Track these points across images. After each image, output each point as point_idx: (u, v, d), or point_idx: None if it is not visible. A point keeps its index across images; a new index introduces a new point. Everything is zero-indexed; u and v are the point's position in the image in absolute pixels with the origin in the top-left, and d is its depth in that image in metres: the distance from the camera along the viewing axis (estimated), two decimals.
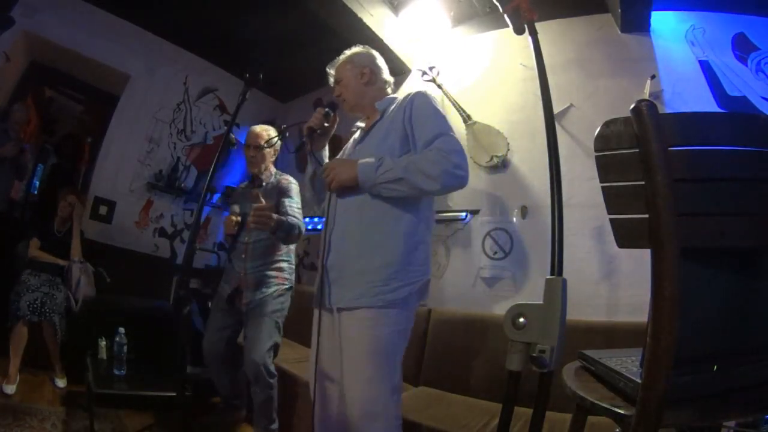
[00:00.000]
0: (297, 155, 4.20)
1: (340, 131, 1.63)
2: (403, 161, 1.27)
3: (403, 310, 1.27)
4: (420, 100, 1.37)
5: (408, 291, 1.27)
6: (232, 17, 3.29)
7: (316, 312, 1.42)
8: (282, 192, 2.23)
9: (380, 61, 1.58)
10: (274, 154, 2.34)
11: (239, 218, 2.16)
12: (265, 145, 2.24)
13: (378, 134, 1.42)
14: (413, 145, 1.33)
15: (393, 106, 1.44)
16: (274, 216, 1.92)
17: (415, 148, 1.32)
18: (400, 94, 1.50)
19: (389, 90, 1.58)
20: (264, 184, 2.28)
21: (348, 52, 1.58)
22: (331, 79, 1.59)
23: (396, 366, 1.27)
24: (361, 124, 1.56)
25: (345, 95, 1.53)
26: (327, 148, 1.59)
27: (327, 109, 1.49)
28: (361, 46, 1.62)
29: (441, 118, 1.34)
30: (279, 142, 2.33)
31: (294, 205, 2.20)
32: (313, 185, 1.57)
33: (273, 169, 2.36)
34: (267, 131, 2.31)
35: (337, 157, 1.55)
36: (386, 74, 1.58)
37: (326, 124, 1.50)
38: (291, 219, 2.06)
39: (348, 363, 1.25)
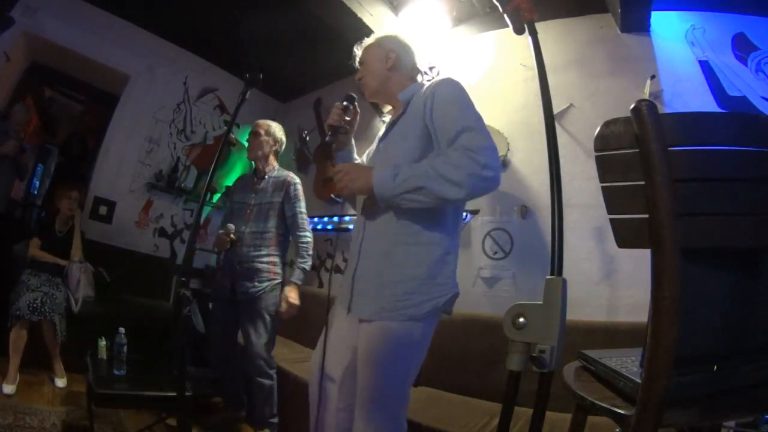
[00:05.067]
0: (296, 155, 4.25)
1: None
2: (423, 167, 1.12)
3: (424, 325, 1.21)
4: (441, 90, 1.24)
5: (432, 306, 1.19)
6: (232, 17, 3.29)
7: (331, 315, 1.37)
8: (287, 190, 2.31)
9: (411, 47, 1.45)
10: (274, 145, 2.39)
11: (232, 237, 2.22)
12: (261, 132, 2.33)
13: (399, 132, 1.31)
14: (436, 143, 1.20)
15: (416, 98, 1.31)
16: (297, 298, 2.21)
17: (439, 148, 1.19)
18: None
19: (419, 78, 1.45)
20: (266, 177, 2.36)
21: (378, 35, 1.48)
22: (357, 60, 1.48)
23: (406, 378, 1.23)
24: (387, 118, 1.49)
25: (366, 79, 1.42)
26: (353, 142, 1.50)
27: (345, 103, 1.40)
28: (394, 30, 1.52)
29: (466, 110, 1.19)
30: (283, 137, 2.44)
31: (303, 213, 2.33)
32: None
33: (275, 164, 2.42)
34: (267, 123, 2.40)
35: (367, 152, 1.48)
36: (417, 61, 1.45)
37: (348, 119, 1.42)
38: (302, 265, 2.26)
39: (360, 371, 1.23)
